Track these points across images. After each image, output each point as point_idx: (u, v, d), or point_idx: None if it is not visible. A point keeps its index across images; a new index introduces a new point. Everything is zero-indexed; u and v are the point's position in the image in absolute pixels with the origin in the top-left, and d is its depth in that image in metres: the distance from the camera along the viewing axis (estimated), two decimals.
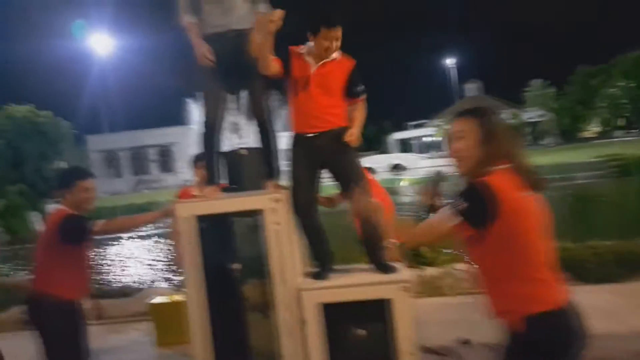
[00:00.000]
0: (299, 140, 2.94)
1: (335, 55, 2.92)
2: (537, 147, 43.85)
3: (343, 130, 2.89)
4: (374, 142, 63.71)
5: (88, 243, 2.83)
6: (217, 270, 2.69)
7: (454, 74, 60.85)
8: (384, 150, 55.22)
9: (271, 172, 3.00)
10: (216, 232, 2.73)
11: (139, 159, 46.62)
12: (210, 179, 2.96)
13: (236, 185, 3.04)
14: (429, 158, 43.87)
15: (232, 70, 2.91)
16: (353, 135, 2.88)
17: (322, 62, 2.90)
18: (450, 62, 60.34)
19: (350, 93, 2.92)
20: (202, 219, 2.62)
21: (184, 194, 3.81)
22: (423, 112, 60.06)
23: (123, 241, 14.15)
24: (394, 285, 2.57)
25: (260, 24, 2.74)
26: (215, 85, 2.90)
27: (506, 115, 47.57)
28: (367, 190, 2.90)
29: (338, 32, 2.84)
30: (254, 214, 2.67)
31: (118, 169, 49.23)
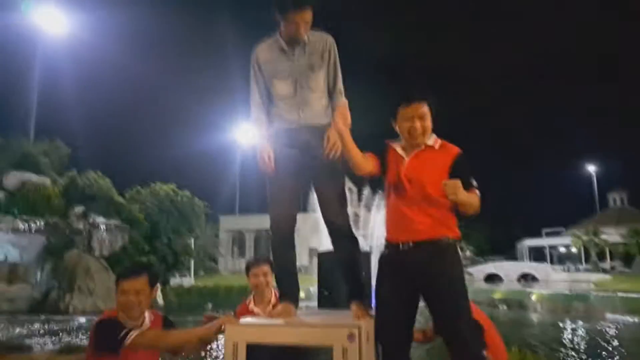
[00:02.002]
0: (388, 252, 2.43)
1: (433, 142, 2.44)
2: None
3: (445, 242, 2.31)
4: (502, 247, 59.85)
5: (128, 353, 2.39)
6: None
7: (596, 180, 55.94)
8: (512, 257, 51.26)
9: (353, 291, 2.54)
10: None
11: (261, 241, 48.54)
12: (281, 295, 2.61)
13: (328, 292, 2.75)
14: (564, 271, 39.73)
15: (304, 170, 2.65)
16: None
17: (414, 151, 2.44)
18: (592, 168, 55.83)
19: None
20: (254, 349, 2.20)
21: (242, 310, 3.39)
22: (560, 220, 55.53)
23: None
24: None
25: (341, 117, 2.47)
26: (284, 186, 2.62)
27: None
28: (475, 333, 2.29)
29: (419, 108, 2.40)
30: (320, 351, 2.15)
31: (243, 249, 52.06)
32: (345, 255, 2.64)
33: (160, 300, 21.81)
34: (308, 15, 2.54)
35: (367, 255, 4.51)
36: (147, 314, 2.55)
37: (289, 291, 2.60)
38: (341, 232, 2.62)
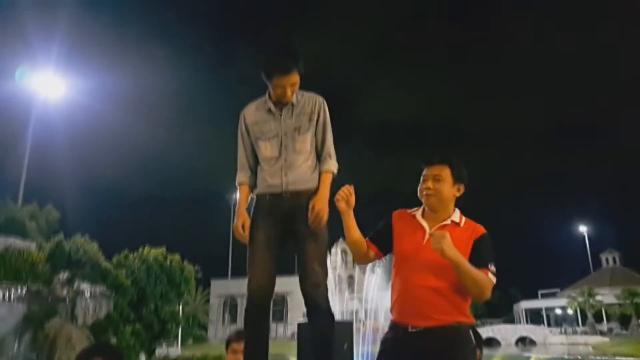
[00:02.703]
0: (394, 334, 2.21)
1: (458, 218, 2.29)
2: None
3: (458, 329, 2.12)
4: (499, 310, 58.76)
5: None
6: None
7: (587, 242, 55.97)
8: (510, 320, 50.22)
9: None
10: None
11: (238, 307, 47.15)
12: None
13: None
14: (561, 333, 38.84)
15: (285, 236, 2.53)
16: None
17: (438, 224, 2.27)
18: (584, 229, 56.01)
19: (473, 265, 2.17)
20: None
21: None
22: (555, 281, 55.08)
23: None
24: None
25: (341, 201, 2.36)
26: (263, 253, 2.48)
27: None
28: None
29: (437, 170, 2.30)
30: None
31: (235, 315, 50.40)
32: (319, 330, 2.44)
33: None
34: (295, 78, 2.51)
35: (350, 325, 4.33)
36: None
37: None
38: (319, 305, 2.43)
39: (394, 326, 2.25)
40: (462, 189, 2.39)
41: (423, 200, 2.39)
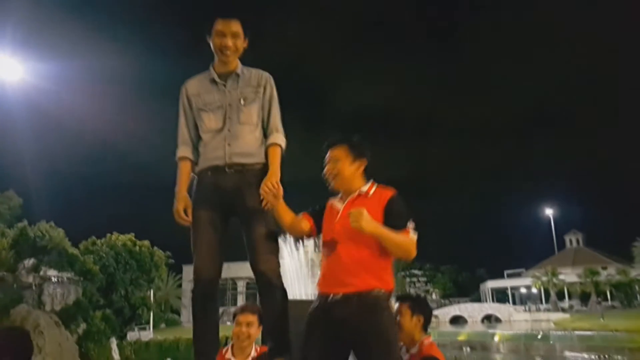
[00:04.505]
0: (317, 304, 2.32)
1: (367, 188, 2.38)
2: None
3: (375, 295, 2.21)
4: (467, 289, 60.24)
5: None
6: None
7: (553, 223, 57.68)
8: (476, 299, 51.64)
9: (278, 347, 2.34)
10: None
11: (228, 291, 47.16)
12: (196, 355, 2.34)
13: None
14: (525, 311, 40.20)
15: (230, 215, 2.43)
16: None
17: (347, 201, 2.38)
18: (549, 211, 57.66)
19: (391, 229, 2.25)
20: None
21: (218, 357, 3.18)
22: (520, 261, 56.68)
23: None
24: None
25: (267, 194, 2.33)
26: (208, 234, 2.38)
27: (612, 271, 43.35)
28: None
29: (337, 151, 2.42)
30: None
31: None
32: (270, 306, 2.41)
33: (116, 355, 20.76)
34: (236, 26, 2.44)
35: (309, 304, 4.42)
36: None
37: (203, 350, 2.37)
38: (267, 280, 2.37)
39: (318, 296, 2.35)
40: (364, 163, 2.48)
41: (329, 183, 2.47)
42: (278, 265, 2.43)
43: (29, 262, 16.08)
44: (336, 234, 2.32)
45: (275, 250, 2.44)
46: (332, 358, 2.24)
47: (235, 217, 2.45)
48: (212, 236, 2.39)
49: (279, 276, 2.42)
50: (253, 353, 3.09)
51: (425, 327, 2.83)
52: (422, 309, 2.86)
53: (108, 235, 27.80)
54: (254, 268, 2.37)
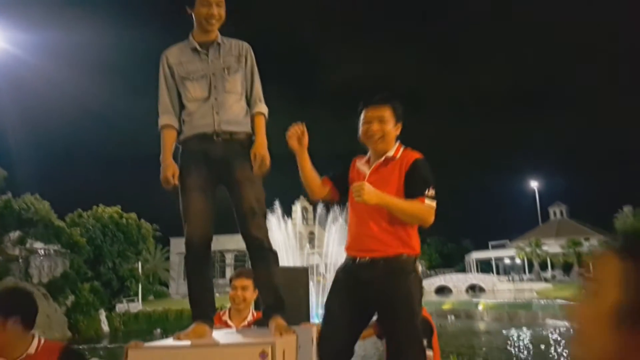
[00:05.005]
0: (345, 265, 2.38)
1: (394, 151, 2.34)
2: None
3: (403, 260, 2.24)
4: (452, 260, 61.24)
5: None
6: None
7: (537, 196, 58.44)
8: (461, 270, 52.56)
9: (272, 307, 2.38)
10: None
11: (216, 263, 47.42)
12: (194, 316, 2.37)
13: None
14: (509, 281, 41.07)
15: (219, 181, 2.45)
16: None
17: (374, 165, 2.37)
18: (534, 183, 58.34)
19: (409, 195, 2.25)
20: None
21: (215, 319, 3.26)
22: (505, 233, 57.53)
23: None
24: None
25: (292, 138, 2.41)
26: (198, 198, 2.40)
27: (594, 242, 44.30)
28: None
29: (379, 111, 2.37)
30: None
31: None
32: (263, 268, 2.46)
33: (105, 327, 20.93)
34: None
35: (305, 271, 4.45)
36: (35, 343, 2.19)
37: (201, 311, 2.39)
38: (259, 244, 2.43)
39: (346, 258, 2.38)
40: (400, 127, 2.45)
41: (369, 144, 2.40)
42: (267, 230, 2.49)
43: (15, 234, 15.96)
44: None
45: (265, 217, 2.49)
46: (356, 317, 2.29)
47: (223, 185, 2.46)
48: (203, 202, 2.40)
49: (269, 240, 2.48)
50: (250, 317, 3.22)
51: None
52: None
53: (94, 207, 27.66)
54: (245, 234, 2.41)
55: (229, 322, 3.22)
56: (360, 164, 2.47)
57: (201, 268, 2.46)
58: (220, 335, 2.33)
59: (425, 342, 2.62)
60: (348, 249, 2.40)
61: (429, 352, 2.71)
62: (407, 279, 2.24)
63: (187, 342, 2.10)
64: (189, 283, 2.48)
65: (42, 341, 2.22)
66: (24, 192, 19.37)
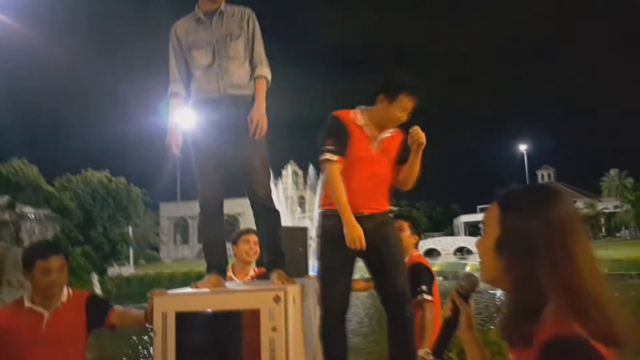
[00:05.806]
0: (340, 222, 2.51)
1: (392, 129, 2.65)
2: (612, 240, 40.85)
3: (388, 215, 2.69)
4: (441, 224, 62.22)
5: None
6: None
7: (526, 159, 59.02)
8: (450, 233, 53.46)
9: (274, 261, 2.57)
10: (202, 333, 2.24)
11: None
12: (209, 267, 2.58)
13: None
14: None
15: (226, 142, 2.59)
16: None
17: (382, 136, 2.61)
18: (523, 147, 58.76)
19: (400, 163, 2.66)
20: (183, 317, 2.15)
21: None
22: (493, 197, 58.34)
23: None
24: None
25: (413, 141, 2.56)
26: (207, 161, 2.59)
27: (580, 204, 45.09)
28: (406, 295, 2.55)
29: (413, 103, 2.55)
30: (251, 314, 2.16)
31: (186, 236, 50.93)
32: (267, 226, 2.65)
33: (98, 290, 21.10)
34: None
35: (305, 230, 4.56)
36: (65, 292, 2.34)
37: (216, 263, 2.59)
38: (263, 203, 2.62)
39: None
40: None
41: (387, 124, 2.59)
42: (270, 190, 2.68)
43: (3, 198, 15.85)
44: (375, 162, 2.59)
45: (269, 177, 2.69)
46: (350, 269, 2.58)
47: (230, 146, 2.59)
48: (214, 163, 2.60)
49: (272, 200, 2.68)
50: (252, 272, 3.49)
51: (416, 245, 3.34)
52: (418, 231, 3.37)
53: (83, 171, 27.48)
54: (252, 194, 2.59)
55: (234, 277, 3.44)
56: (363, 125, 2.59)
57: (215, 224, 2.66)
58: (233, 285, 2.58)
59: (425, 287, 2.97)
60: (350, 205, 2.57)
61: (429, 297, 2.98)
62: (391, 227, 2.73)
63: (205, 290, 2.34)
64: (205, 239, 2.70)
65: (70, 290, 2.37)
66: (10, 157, 19.17)
